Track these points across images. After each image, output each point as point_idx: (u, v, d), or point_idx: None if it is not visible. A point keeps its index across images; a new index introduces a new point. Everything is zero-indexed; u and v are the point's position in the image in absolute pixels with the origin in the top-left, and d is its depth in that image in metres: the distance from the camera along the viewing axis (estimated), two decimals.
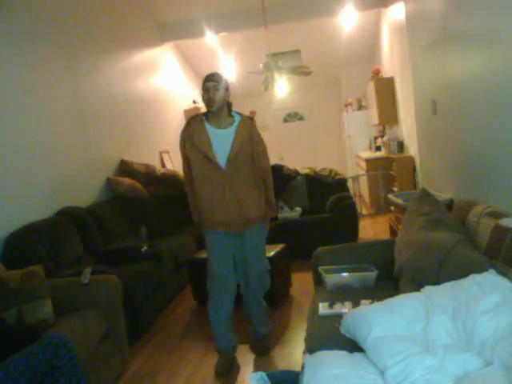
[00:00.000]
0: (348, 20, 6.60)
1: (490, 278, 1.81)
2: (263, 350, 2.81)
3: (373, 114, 7.19)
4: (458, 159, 3.20)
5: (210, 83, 2.43)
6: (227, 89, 2.51)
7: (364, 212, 6.72)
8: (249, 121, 2.60)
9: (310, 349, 1.86)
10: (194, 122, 2.55)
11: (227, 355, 2.70)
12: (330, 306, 2.18)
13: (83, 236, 3.59)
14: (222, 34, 6.67)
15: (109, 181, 4.59)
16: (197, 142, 2.48)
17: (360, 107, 8.28)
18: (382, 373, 1.53)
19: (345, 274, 2.47)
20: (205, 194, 2.52)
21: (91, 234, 3.71)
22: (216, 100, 2.43)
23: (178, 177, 5.14)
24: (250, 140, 2.53)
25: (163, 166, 6.13)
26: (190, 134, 2.51)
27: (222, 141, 2.49)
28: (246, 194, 2.53)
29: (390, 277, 2.42)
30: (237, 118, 2.57)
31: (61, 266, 3.16)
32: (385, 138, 6.86)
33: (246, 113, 2.90)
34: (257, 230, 2.65)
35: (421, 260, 2.18)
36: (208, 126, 2.51)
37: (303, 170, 5.51)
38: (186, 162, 2.59)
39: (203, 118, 2.55)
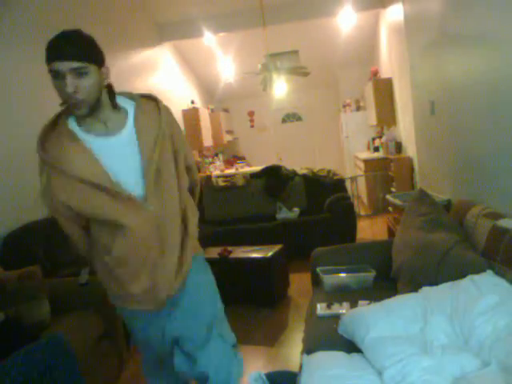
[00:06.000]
0: (346, 21, 6.62)
1: (487, 278, 1.82)
2: None
3: (371, 115, 7.19)
4: (456, 160, 3.21)
5: (66, 64, 1.30)
6: (104, 70, 1.41)
7: (362, 213, 6.72)
8: (154, 104, 1.50)
9: (308, 349, 1.87)
10: (55, 139, 1.38)
11: None
12: (328, 307, 2.19)
13: None
14: (221, 34, 6.67)
15: None
16: (74, 169, 1.33)
17: (358, 108, 8.28)
18: (380, 373, 1.53)
19: (343, 275, 2.47)
20: (114, 256, 1.43)
21: None
22: (86, 97, 1.31)
23: None
24: (169, 138, 1.48)
25: None
26: (58, 159, 1.34)
27: (117, 156, 1.40)
28: (176, 234, 1.52)
29: (388, 277, 2.42)
30: (129, 107, 1.47)
31: (58, 266, 3.15)
32: (383, 139, 6.87)
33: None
34: (196, 274, 1.61)
35: (419, 261, 2.19)
36: (84, 137, 1.38)
37: (301, 171, 5.50)
38: (69, 218, 1.45)
39: (67, 122, 1.41)
